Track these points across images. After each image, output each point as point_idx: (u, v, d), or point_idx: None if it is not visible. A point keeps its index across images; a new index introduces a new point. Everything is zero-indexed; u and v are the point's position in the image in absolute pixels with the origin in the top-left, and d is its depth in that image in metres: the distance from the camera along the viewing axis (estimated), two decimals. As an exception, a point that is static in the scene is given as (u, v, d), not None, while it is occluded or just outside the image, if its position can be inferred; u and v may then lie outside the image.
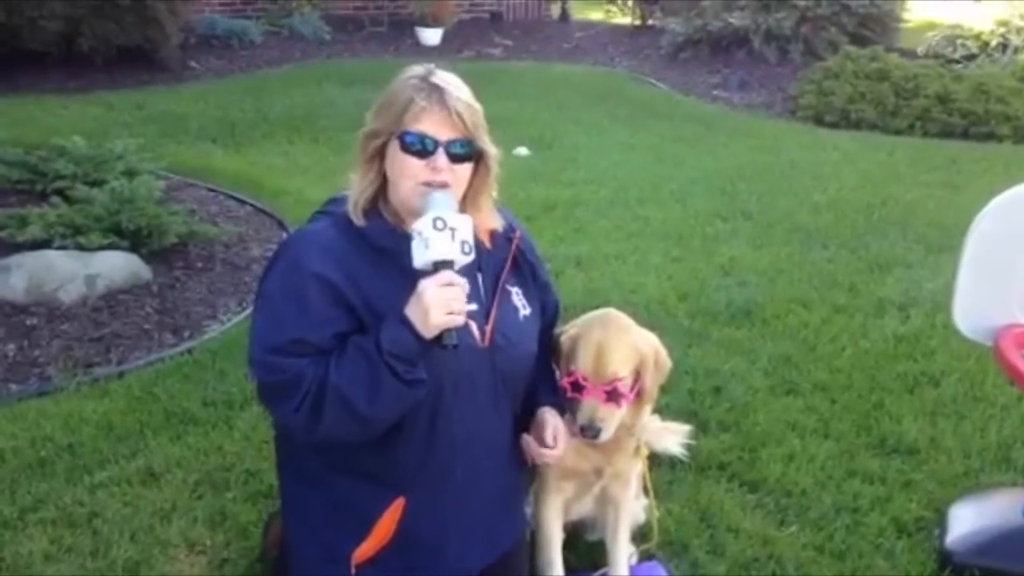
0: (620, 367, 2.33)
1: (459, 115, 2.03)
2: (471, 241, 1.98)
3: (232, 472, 3.05)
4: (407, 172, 2.04)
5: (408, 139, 2.03)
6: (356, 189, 2.10)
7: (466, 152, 2.07)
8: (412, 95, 2.03)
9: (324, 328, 2.01)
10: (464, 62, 10.36)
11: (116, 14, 8.47)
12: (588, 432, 2.31)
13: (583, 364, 2.34)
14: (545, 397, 2.33)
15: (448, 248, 1.94)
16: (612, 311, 2.46)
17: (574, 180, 6.43)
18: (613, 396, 2.32)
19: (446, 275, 1.94)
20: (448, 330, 1.94)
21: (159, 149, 6.19)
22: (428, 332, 1.94)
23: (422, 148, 2.02)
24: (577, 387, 2.34)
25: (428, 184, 2.03)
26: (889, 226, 5.59)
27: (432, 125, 2.03)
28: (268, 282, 2.10)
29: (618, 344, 2.35)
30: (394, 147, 2.05)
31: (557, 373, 2.44)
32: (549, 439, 2.26)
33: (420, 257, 1.95)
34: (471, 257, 1.99)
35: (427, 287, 1.93)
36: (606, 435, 2.33)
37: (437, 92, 2.04)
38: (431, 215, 1.95)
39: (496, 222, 2.24)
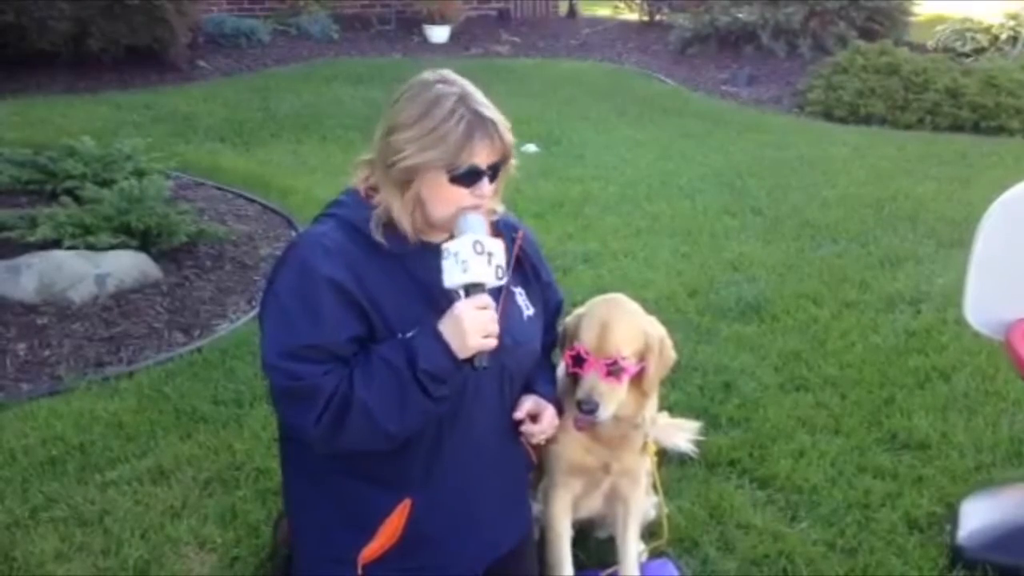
0: (623, 345, 2.31)
1: (503, 142, 2.04)
2: (504, 265, 2.00)
3: (242, 470, 3.06)
4: (452, 200, 2.03)
5: (460, 172, 2.00)
6: (401, 216, 2.05)
7: (500, 169, 2.08)
8: (469, 133, 1.99)
9: (337, 333, 2.00)
10: (472, 59, 10.37)
11: (125, 14, 8.49)
12: (586, 406, 2.28)
13: (586, 338, 2.33)
14: (540, 388, 2.32)
15: (484, 272, 1.96)
16: (621, 295, 2.46)
17: (582, 177, 6.42)
18: (614, 371, 2.30)
19: (482, 299, 1.96)
20: (480, 352, 1.95)
21: (168, 148, 6.20)
22: (464, 353, 1.95)
23: (471, 179, 2.02)
24: (578, 361, 2.33)
25: (468, 207, 2.03)
26: (899, 221, 5.57)
27: (481, 157, 2.02)
28: (276, 285, 2.08)
29: (623, 323, 2.35)
30: (439, 176, 2.01)
31: (561, 357, 2.44)
32: (521, 414, 2.24)
33: (455, 278, 1.96)
34: (503, 282, 2.01)
35: (465, 311, 1.94)
36: (604, 412, 2.30)
37: (491, 127, 2.01)
38: (471, 238, 1.96)
39: (498, 208, 2.24)
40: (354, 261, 2.04)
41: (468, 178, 2.02)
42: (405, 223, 2.06)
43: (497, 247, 1.99)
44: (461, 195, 2.03)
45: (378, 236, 2.06)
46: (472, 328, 1.93)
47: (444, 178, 2.01)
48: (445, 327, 1.96)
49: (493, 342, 1.96)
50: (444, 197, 2.03)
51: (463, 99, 2.03)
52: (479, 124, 2.01)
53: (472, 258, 1.94)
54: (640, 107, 8.52)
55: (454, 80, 2.07)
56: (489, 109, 2.05)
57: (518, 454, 2.35)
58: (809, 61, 9.51)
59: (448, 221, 2.04)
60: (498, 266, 1.98)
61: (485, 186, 2.04)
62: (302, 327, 1.99)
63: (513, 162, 2.13)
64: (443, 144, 1.99)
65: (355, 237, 2.08)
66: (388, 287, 2.04)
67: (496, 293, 2.17)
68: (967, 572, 2.67)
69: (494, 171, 2.06)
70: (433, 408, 2.01)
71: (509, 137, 2.06)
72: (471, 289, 1.96)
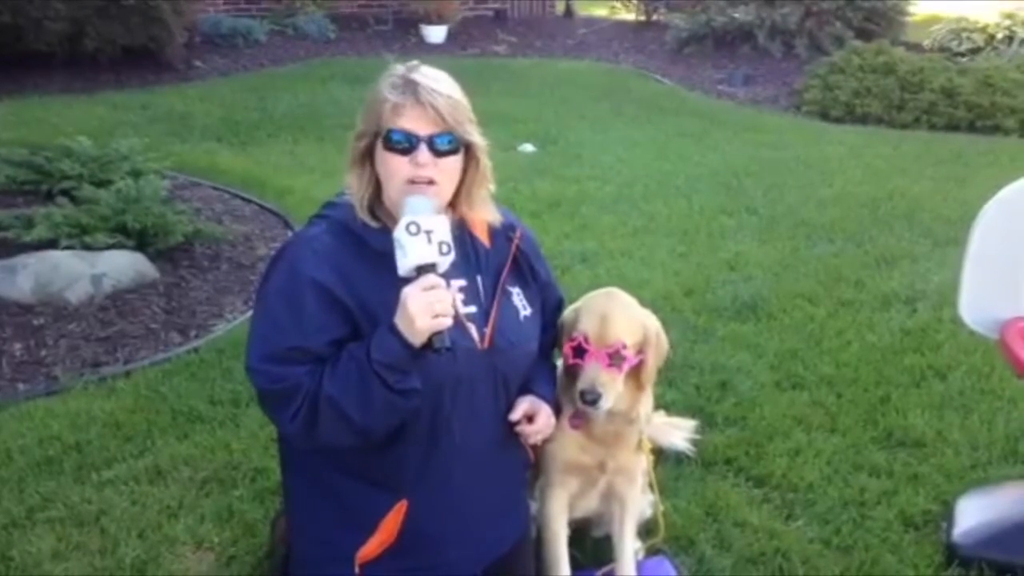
0: (624, 335, 2.31)
1: (435, 108, 2.00)
2: (449, 240, 1.96)
3: (239, 470, 3.07)
4: (393, 170, 2.03)
5: (389, 137, 2.01)
6: (354, 192, 2.10)
7: (450, 146, 2.04)
8: (387, 93, 2.02)
9: (320, 335, 2.00)
10: (469, 59, 10.36)
11: (121, 14, 8.49)
12: (589, 396, 2.27)
13: (586, 329, 2.32)
14: (538, 388, 2.31)
15: (425, 251, 1.92)
16: (617, 289, 2.46)
17: (579, 176, 6.43)
18: (615, 361, 2.29)
19: (428, 279, 1.92)
20: (438, 333, 1.92)
21: (164, 149, 6.20)
22: (416, 339, 1.92)
23: (404, 145, 2.01)
24: (579, 352, 2.32)
25: (414, 181, 2.01)
26: (895, 220, 5.58)
27: (410, 121, 2.00)
28: (265, 288, 2.11)
29: (623, 314, 2.35)
30: (379, 147, 2.04)
31: (559, 353, 2.43)
32: (517, 416, 2.23)
33: (402, 265, 1.94)
34: (451, 257, 1.97)
35: (409, 294, 1.91)
36: (605, 403, 2.29)
37: (411, 87, 2.02)
38: (405, 220, 1.93)
39: (494, 215, 2.23)
40: (341, 262, 2.04)
41: (398, 144, 2.00)
42: (357, 202, 2.08)
43: (437, 224, 1.95)
44: (400, 164, 2.01)
45: (365, 216, 2.07)
46: (417, 310, 1.89)
47: (382, 146, 2.03)
48: (397, 316, 1.94)
49: (446, 322, 1.92)
50: (388, 171, 2.03)
51: (404, 73, 2.06)
52: (406, 86, 2.02)
53: (408, 240, 1.92)
54: (637, 107, 8.53)
55: (416, 65, 2.09)
56: (427, 79, 2.04)
57: (515, 455, 2.35)
58: (805, 61, 9.52)
59: (400, 199, 2.02)
60: (441, 243, 1.93)
61: (422, 154, 2.00)
62: (286, 329, 2.00)
63: (482, 146, 2.10)
64: (372, 109, 2.03)
65: (345, 238, 2.08)
66: (376, 287, 2.03)
67: (491, 279, 2.17)
68: (962, 570, 2.68)
69: (442, 149, 2.02)
70: (401, 402, 1.98)
71: (446, 107, 2.02)
72: (422, 271, 1.93)
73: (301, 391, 1.97)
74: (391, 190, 2.05)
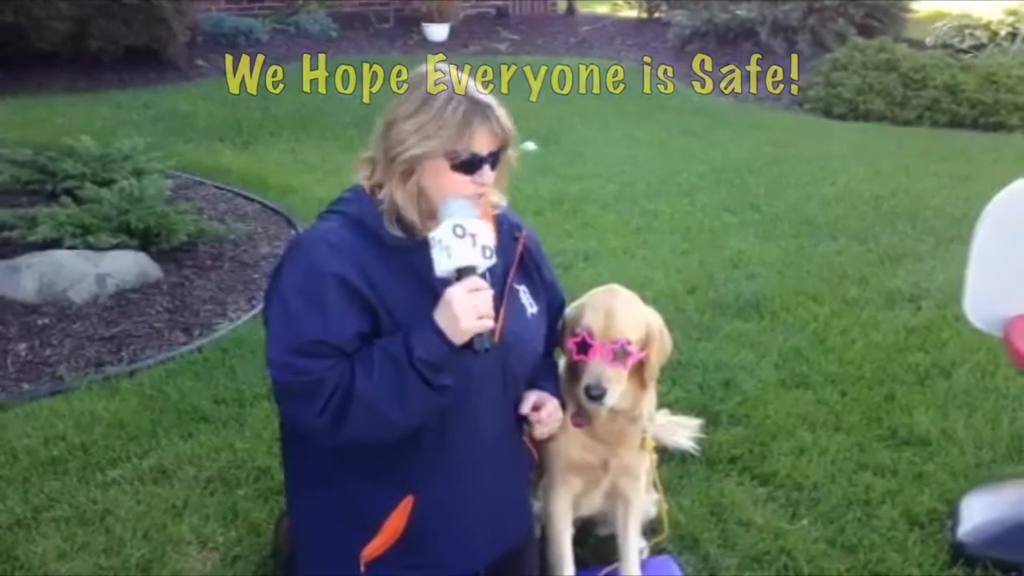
0: (629, 331, 2.31)
1: (504, 130, 2.04)
2: (492, 246, 1.98)
3: (243, 469, 3.07)
4: (454, 188, 2.02)
5: (460, 159, 2.01)
6: (397, 205, 2.06)
7: (499, 157, 2.07)
8: (467, 119, 2.00)
9: (344, 329, 2.00)
10: (471, 57, 10.36)
11: (124, 14, 8.50)
12: (595, 391, 2.27)
13: (591, 323, 2.31)
14: (543, 385, 2.32)
15: (470, 254, 1.94)
16: (619, 286, 2.46)
17: (581, 174, 6.43)
18: (619, 356, 2.29)
19: (473, 281, 1.94)
20: (479, 335, 1.95)
21: (167, 148, 6.21)
22: (459, 338, 1.94)
23: (472, 166, 2.02)
24: (583, 348, 2.31)
25: (470, 196, 2.02)
26: (899, 218, 5.58)
27: (481, 143, 2.02)
28: (281, 283, 2.08)
29: (627, 310, 2.35)
30: (439, 164, 2.02)
31: (562, 351, 2.44)
32: (526, 408, 2.25)
33: (442, 265, 1.95)
34: (492, 261, 1.99)
35: (455, 294, 1.93)
36: (610, 399, 2.29)
37: (489, 112, 2.02)
38: (450, 222, 1.95)
39: (502, 201, 2.24)
40: (361, 259, 2.03)
41: (469, 166, 2.01)
42: (411, 214, 2.06)
43: (481, 228, 1.97)
44: (463, 183, 2.02)
45: (393, 230, 2.06)
46: (463, 311, 1.92)
47: (445, 167, 2.01)
48: (439, 314, 1.95)
49: (488, 323, 1.95)
50: (446, 186, 2.03)
51: (460, 87, 2.04)
52: (477, 110, 2.02)
53: (454, 242, 1.93)
54: (639, 105, 8.52)
55: (450, 70, 2.08)
56: (486, 96, 2.06)
57: (521, 453, 2.35)
58: (808, 58, 9.51)
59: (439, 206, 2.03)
60: (484, 247, 1.96)
61: (486, 174, 2.03)
62: (308, 323, 1.99)
63: (512, 152, 2.12)
64: (443, 131, 2.00)
65: (362, 234, 2.07)
66: (396, 284, 2.04)
67: (499, 278, 2.18)
68: (967, 569, 2.67)
69: (494, 158, 2.05)
70: (436, 398, 2.00)
71: (508, 123, 2.06)
72: (462, 273, 1.95)
73: (328, 385, 1.96)
74: (438, 200, 2.04)
